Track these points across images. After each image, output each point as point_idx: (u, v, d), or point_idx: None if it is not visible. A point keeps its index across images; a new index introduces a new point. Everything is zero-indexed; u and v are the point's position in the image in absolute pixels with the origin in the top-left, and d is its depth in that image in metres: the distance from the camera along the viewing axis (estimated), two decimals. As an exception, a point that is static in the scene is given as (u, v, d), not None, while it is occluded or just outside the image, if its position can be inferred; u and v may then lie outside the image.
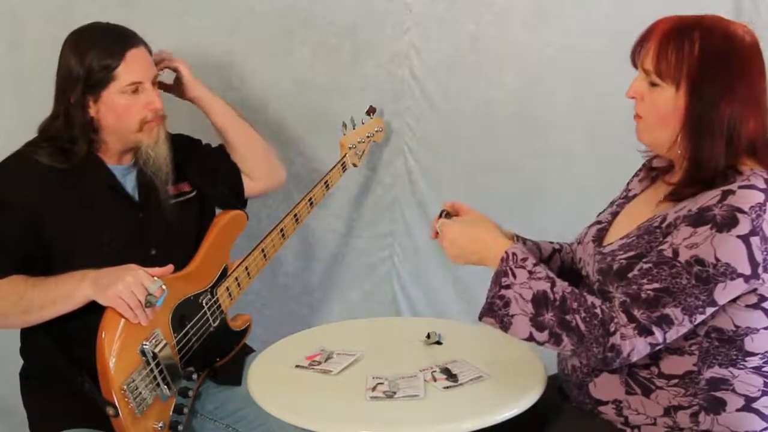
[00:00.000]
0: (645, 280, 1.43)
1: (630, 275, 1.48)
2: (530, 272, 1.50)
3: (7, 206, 1.76)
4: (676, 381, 1.51)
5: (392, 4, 2.49)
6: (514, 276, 1.50)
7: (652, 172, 1.69)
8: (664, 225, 1.50)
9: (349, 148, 2.38)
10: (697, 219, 1.42)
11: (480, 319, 1.53)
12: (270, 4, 2.46)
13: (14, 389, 1.90)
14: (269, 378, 1.73)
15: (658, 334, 1.42)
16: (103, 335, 1.67)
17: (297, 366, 1.75)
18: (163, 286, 1.70)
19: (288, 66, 2.51)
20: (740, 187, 1.43)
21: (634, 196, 1.70)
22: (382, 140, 2.58)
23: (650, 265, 1.44)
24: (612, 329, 1.42)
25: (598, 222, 1.71)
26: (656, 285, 1.42)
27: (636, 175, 1.76)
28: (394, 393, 1.60)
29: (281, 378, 1.72)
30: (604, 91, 2.44)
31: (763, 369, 1.50)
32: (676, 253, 1.42)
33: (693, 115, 1.47)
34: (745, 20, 2.35)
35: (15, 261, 1.75)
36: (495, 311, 1.51)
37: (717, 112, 1.45)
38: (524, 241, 1.81)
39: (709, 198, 1.44)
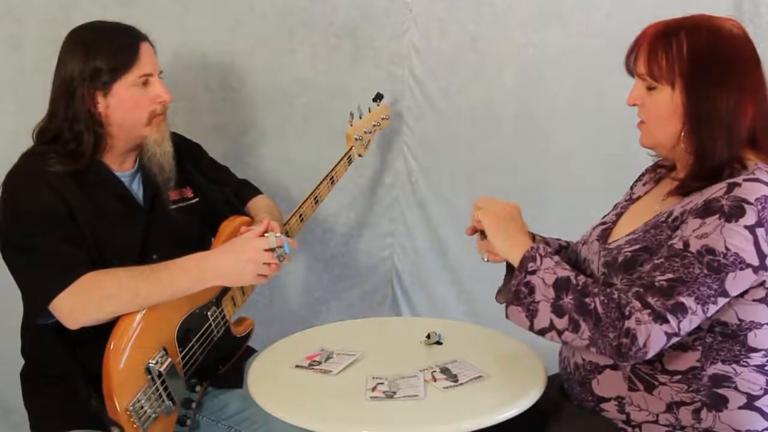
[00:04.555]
0: (658, 273, 1.44)
1: (641, 270, 1.49)
2: (557, 262, 1.53)
3: (49, 214, 1.72)
4: (679, 377, 1.51)
5: (392, 4, 2.49)
6: (541, 263, 1.53)
7: (656, 174, 1.71)
8: (670, 219, 1.51)
9: (356, 139, 2.32)
10: (705, 210, 1.44)
11: (507, 307, 1.55)
12: (270, 4, 2.46)
13: (14, 389, 1.90)
14: (269, 378, 1.73)
15: (673, 323, 1.42)
16: (110, 360, 1.65)
17: (297, 366, 1.74)
18: (277, 234, 1.73)
19: (288, 66, 2.51)
20: (746, 180, 1.45)
21: (638, 198, 1.72)
22: (383, 140, 2.58)
23: (662, 259, 1.45)
24: (627, 312, 1.42)
25: (603, 222, 1.73)
26: (669, 275, 1.43)
27: (639, 179, 1.78)
28: (394, 393, 1.60)
29: (281, 378, 1.72)
30: (604, 91, 2.44)
31: (766, 367, 1.50)
32: (686, 244, 1.44)
33: (692, 111, 1.50)
34: (745, 20, 2.37)
35: (86, 255, 1.73)
36: (521, 299, 1.52)
37: (714, 104, 1.48)
38: (534, 237, 1.82)
39: (715, 190, 1.46)
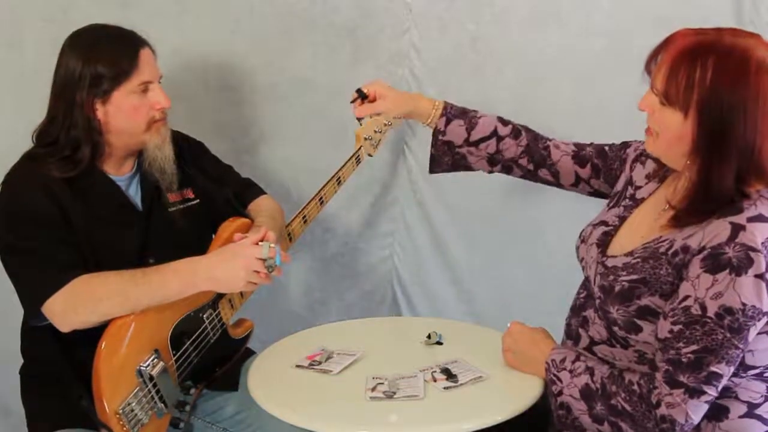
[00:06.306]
0: (681, 344, 1.42)
1: (638, 303, 1.48)
2: (571, 371, 1.55)
3: (44, 217, 1.72)
4: None
5: (392, 4, 2.49)
6: (560, 380, 1.56)
7: (661, 170, 1.65)
8: (670, 252, 1.47)
9: (365, 139, 2.26)
10: (714, 265, 1.39)
11: None
12: (270, 4, 2.46)
13: (14, 388, 1.90)
14: (269, 378, 1.73)
15: (711, 391, 1.42)
16: (100, 361, 1.65)
17: (297, 366, 1.75)
18: (271, 245, 1.71)
19: (288, 66, 2.51)
20: (749, 220, 1.39)
21: (642, 199, 1.67)
22: (383, 141, 2.57)
23: (681, 326, 1.42)
24: (654, 401, 1.44)
25: (604, 223, 1.69)
26: (694, 347, 1.41)
27: (639, 161, 1.73)
28: (394, 393, 1.60)
29: (281, 378, 1.72)
30: (604, 91, 2.44)
31: (765, 375, 1.49)
32: (703, 308, 1.40)
33: (701, 144, 1.43)
34: (745, 20, 2.36)
35: (79, 258, 1.73)
36: (565, 422, 1.55)
37: (727, 142, 1.41)
38: (452, 116, 1.98)
39: (718, 231, 1.40)
